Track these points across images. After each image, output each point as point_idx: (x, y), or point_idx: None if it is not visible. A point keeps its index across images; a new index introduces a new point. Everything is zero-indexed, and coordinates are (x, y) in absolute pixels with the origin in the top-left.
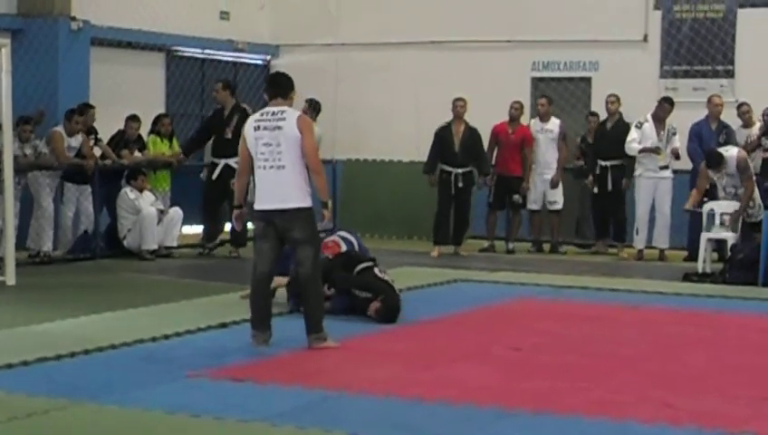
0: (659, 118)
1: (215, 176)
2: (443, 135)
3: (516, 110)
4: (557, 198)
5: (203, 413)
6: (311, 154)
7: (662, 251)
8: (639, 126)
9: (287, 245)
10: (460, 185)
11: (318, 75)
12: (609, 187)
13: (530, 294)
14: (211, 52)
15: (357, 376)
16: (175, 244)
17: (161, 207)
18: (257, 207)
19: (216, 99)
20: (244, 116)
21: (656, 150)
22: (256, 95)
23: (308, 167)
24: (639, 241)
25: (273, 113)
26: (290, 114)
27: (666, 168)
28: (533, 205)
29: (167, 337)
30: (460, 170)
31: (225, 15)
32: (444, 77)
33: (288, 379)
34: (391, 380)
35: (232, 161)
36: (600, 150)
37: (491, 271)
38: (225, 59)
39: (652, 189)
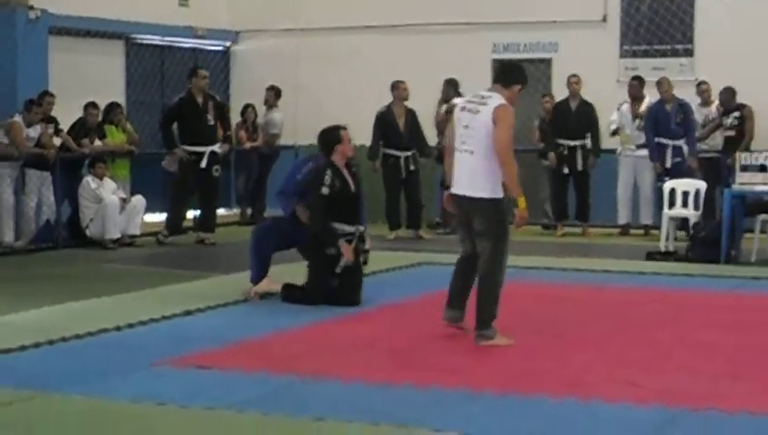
0: (633, 97)
1: (204, 164)
2: (386, 119)
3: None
4: None
5: (168, 402)
6: (500, 145)
7: (647, 227)
8: (619, 108)
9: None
10: (411, 168)
11: (279, 60)
12: (579, 167)
13: None
14: (171, 39)
15: (323, 361)
16: (138, 232)
17: (123, 195)
18: (452, 190)
19: (200, 86)
20: (217, 103)
21: (615, 133)
22: (216, 81)
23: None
24: (622, 217)
25: (482, 97)
26: (492, 101)
27: (644, 146)
28: None
29: (131, 326)
30: (408, 153)
31: (184, 2)
32: (405, 60)
33: (253, 366)
34: (358, 364)
35: (216, 148)
36: (566, 131)
37: (455, 253)
38: (185, 46)
39: (632, 168)
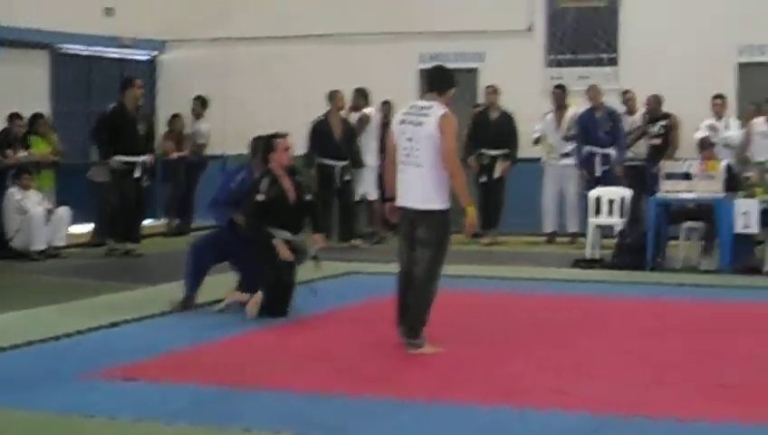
0: (557, 106)
1: (137, 174)
2: (322, 128)
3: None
4: None
5: (96, 413)
6: (447, 155)
7: (573, 235)
8: (543, 117)
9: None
10: (346, 178)
11: (206, 70)
12: (497, 175)
13: None
14: (96, 49)
15: (252, 371)
16: (63, 243)
17: (49, 206)
18: (398, 203)
19: (135, 96)
20: (145, 113)
21: (537, 141)
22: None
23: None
24: (548, 225)
25: (421, 108)
26: (434, 111)
27: (568, 155)
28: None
29: (57, 338)
30: (343, 163)
31: (109, 11)
32: (333, 70)
33: (182, 376)
34: (287, 374)
35: (147, 159)
36: (486, 140)
37: (384, 263)
38: (111, 56)
39: (557, 176)
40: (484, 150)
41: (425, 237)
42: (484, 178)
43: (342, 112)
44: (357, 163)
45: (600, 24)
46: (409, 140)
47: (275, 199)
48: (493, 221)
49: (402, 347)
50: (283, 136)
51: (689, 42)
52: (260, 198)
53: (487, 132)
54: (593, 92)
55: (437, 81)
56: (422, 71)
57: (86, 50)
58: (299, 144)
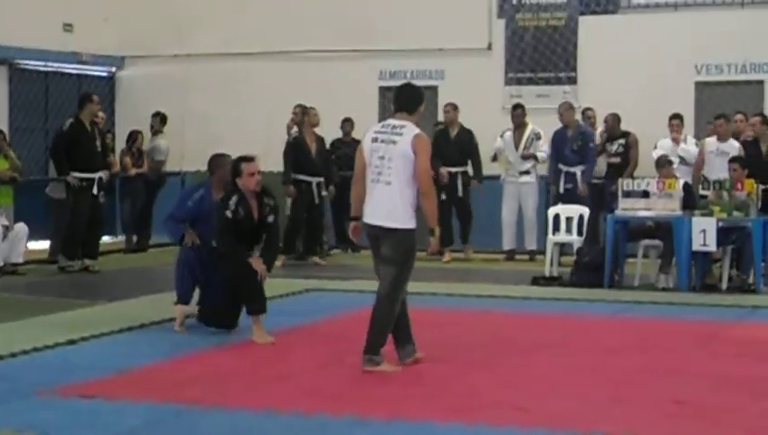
0: (516, 124)
1: (95, 190)
2: (298, 144)
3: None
4: None
5: (53, 431)
6: (422, 175)
7: (532, 252)
8: (502, 135)
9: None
10: (323, 193)
11: (166, 86)
12: (460, 193)
13: None
14: (55, 64)
15: (209, 389)
16: (21, 260)
17: (6, 222)
18: (365, 220)
19: (92, 112)
20: (100, 130)
21: (494, 158)
22: (102, 107)
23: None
24: (507, 242)
25: (393, 127)
26: (408, 131)
27: (527, 172)
28: None
29: (14, 355)
30: (319, 179)
31: (68, 27)
32: (293, 87)
33: (140, 394)
34: (244, 392)
35: (103, 174)
36: (446, 158)
37: (342, 280)
38: (70, 72)
39: (516, 193)
40: (443, 168)
41: (389, 255)
42: (443, 196)
43: (321, 129)
44: (331, 180)
45: (558, 43)
46: (381, 158)
47: (242, 219)
48: (464, 238)
49: (356, 364)
50: (251, 159)
51: (647, 61)
52: (228, 214)
53: (449, 149)
54: (563, 110)
55: (407, 99)
56: (382, 88)
57: (45, 66)
58: (266, 162)
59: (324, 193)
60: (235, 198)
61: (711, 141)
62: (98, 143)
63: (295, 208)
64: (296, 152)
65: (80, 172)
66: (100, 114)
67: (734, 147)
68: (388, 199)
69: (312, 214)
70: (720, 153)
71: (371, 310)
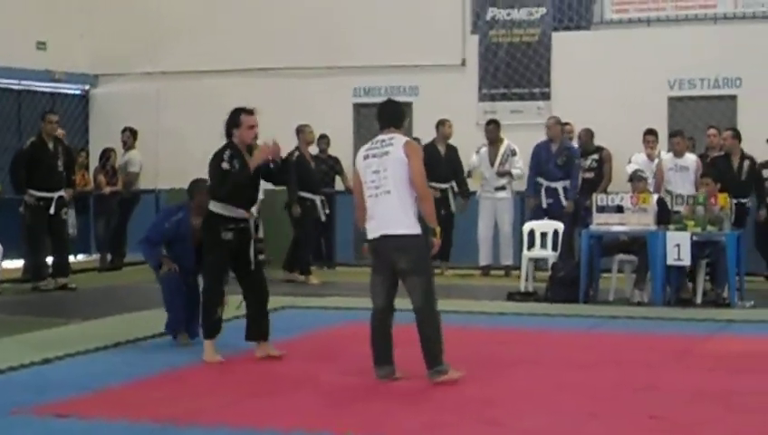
0: (490, 140)
1: (53, 210)
2: (300, 162)
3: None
4: None
5: None
6: (417, 177)
7: (507, 268)
8: (478, 151)
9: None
10: (327, 211)
11: (139, 104)
12: (450, 208)
13: (358, 319)
14: (28, 82)
15: (186, 407)
16: None
17: None
18: (369, 236)
19: (48, 131)
20: (66, 147)
21: (469, 174)
22: (75, 125)
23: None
24: (483, 258)
25: (383, 141)
26: (398, 141)
27: (503, 188)
28: None
29: None
30: (322, 197)
31: (41, 45)
32: (267, 104)
33: (114, 413)
34: (221, 410)
35: (63, 193)
36: (436, 174)
37: (320, 297)
38: (43, 90)
39: (492, 209)
40: (434, 184)
41: (406, 266)
42: (443, 211)
43: (292, 147)
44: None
45: (532, 59)
46: (376, 172)
47: (237, 171)
48: (444, 255)
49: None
50: (250, 112)
51: (620, 76)
52: (225, 166)
53: (439, 166)
54: (550, 124)
55: (391, 115)
56: (356, 105)
57: (17, 84)
58: None
59: (327, 210)
60: (228, 152)
61: (668, 158)
62: (59, 162)
63: (303, 226)
64: (300, 171)
65: (37, 191)
66: (60, 131)
67: (690, 160)
68: (391, 207)
69: (321, 231)
70: (679, 169)
71: (417, 327)
